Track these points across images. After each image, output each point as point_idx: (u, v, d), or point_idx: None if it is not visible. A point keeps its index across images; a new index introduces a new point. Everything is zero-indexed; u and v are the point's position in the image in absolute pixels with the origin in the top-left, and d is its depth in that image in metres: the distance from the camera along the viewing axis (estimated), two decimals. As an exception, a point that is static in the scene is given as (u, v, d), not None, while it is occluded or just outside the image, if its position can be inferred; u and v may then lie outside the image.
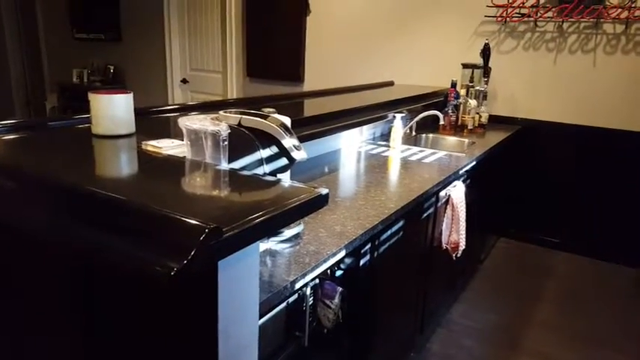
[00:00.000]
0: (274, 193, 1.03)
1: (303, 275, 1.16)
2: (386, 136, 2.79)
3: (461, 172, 2.23)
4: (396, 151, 2.52)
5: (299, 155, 1.28)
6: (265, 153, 1.26)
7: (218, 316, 0.87)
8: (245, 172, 1.15)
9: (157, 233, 0.82)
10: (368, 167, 2.16)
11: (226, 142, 1.19)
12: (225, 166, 1.18)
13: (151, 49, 5.19)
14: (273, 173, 1.29)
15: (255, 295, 0.97)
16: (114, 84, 5.47)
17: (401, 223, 1.71)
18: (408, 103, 2.92)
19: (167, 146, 1.31)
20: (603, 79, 3.11)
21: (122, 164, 1.25)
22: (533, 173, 3.46)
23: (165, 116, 1.97)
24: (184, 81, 5.15)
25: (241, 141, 1.25)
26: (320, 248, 1.29)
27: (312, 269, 1.20)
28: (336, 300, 1.43)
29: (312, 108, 2.58)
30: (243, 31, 4.60)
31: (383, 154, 2.43)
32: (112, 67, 5.55)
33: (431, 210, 2.00)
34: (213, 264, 0.83)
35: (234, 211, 0.91)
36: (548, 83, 3.30)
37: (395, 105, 2.79)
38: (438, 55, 3.66)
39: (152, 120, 1.85)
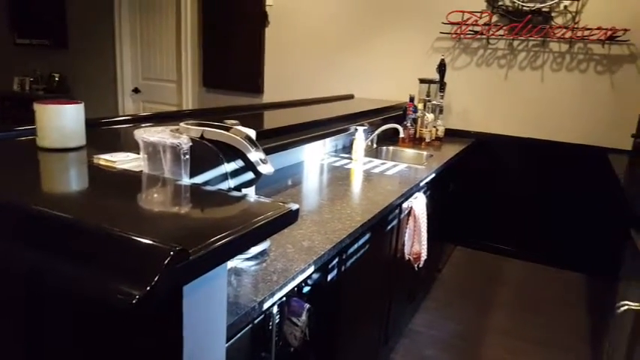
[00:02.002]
0: (241, 210, 0.98)
1: (271, 295, 1.11)
2: (348, 149, 2.79)
3: (421, 184, 2.26)
4: (359, 163, 2.52)
5: (265, 169, 1.24)
6: (230, 167, 1.20)
7: (183, 344, 0.80)
8: (209, 188, 1.10)
9: (115, 257, 0.74)
10: (332, 180, 2.13)
11: (188, 156, 1.13)
12: (187, 181, 1.12)
13: (99, 57, 4.97)
14: (239, 188, 1.24)
15: (222, 320, 0.91)
16: (58, 93, 5.19)
17: (367, 236, 1.69)
18: (369, 116, 2.94)
19: (122, 160, 1.23)
20: (550, 94, 3.26)
21: (72, 180, 1.16)
22: (486, 184, 3.56)
23: (118, 128, 1.87)
24: (136, 90, 4.97)
25: (204, 154, 1.19)
26: (288, 265, 1.24)
27: (280, 288, 1.15)
28: (303, 317, 1.38)
29: (274, 120, 2.54)
30: (199, 39, 4.51)
31: (346, 167, 2.42)
32: (56, 75, 5.27)
33: (395, 222, 2.00)
34: (178, 289, 0.77)
35: (200, 230, 0.85)
36: (499, 98, 3.43)
37: (356, 118, 2.80)
38: (397, 70, 3.72)
39: (104, 132, 1.75)
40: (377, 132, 2.84)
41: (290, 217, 0.98)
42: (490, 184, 3.56)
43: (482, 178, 3.55)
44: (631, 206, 1.82)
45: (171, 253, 0.69)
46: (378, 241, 1.84)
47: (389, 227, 1.95)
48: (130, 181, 1.12)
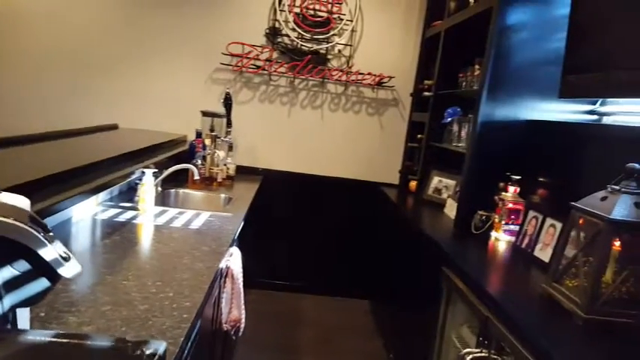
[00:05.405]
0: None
1: None
2: (126, 194, 2.25)
3: (236, 236, 1.95)
4: (149, 215, 2.02)
5: (70, 270, 0.74)
6: (3, 275, 0.67)
7: None
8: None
9: None
10: (123, 245, 1.61)
11: None
12: None
13: None
14: (21, 305, 0.71)
15: None
16: None
17: (199, 324, 1.29)
18: (151, 154, 2.45)
19: None
20: (329, 133, 3.42)
21: None
22: (273, 221, 3.48)
23: None
24: None
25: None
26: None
27: None
28: None
29: (11, 167, 1.80)
30: None
31: (134, 222, 1.90)
32: None
33: (216, 292, 1.63)
34: None
35: None
36: (283, 135, 3.41)
37: (138, 157, 2.29)
38: (172, 99, 3.30)
39: None
40: (166, 173, 2.38)
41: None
42: (276, 221, 3.48)
43: (269, 215, 3.45)
44: (441, 248, 1.96)
45: None
46: (204, 322, 1.45)
47: (213, 300, 1.57)
48: None
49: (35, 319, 1.02)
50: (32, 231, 0.69)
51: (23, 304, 0.70)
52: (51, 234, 0.74)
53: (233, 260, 1.86)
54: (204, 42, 3.26)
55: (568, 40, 1.87)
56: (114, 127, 3.26)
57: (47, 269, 0.70)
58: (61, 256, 0.73)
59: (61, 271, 0.72)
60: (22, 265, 0.68)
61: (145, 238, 1.74)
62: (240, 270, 1.92)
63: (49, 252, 0.70)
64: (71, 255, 0.76)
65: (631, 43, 1.62)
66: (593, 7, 1.80)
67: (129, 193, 2.28)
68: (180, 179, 2.71)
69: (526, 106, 2.15)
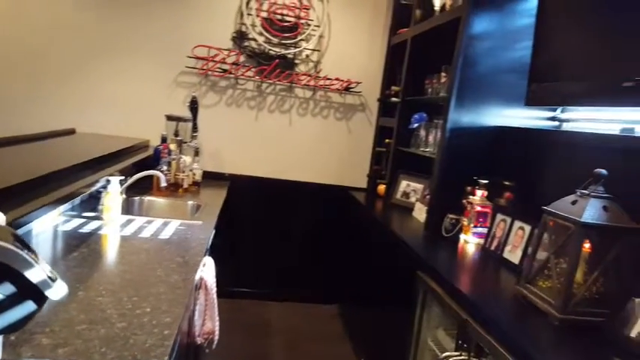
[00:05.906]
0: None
1: None
2: (88, 203, 2.14)
3: (208, 246, 1.90)
4: (115, 225, 1.94)
5: (58, 292, 0.69)
6: (-15, 301, 0.61)
7: None
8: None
9: None
10: (93, 258, 1.53)
11: None
12: None
13: None
14: (4, 332, 0.65)
15: None
16: None
17: (178, 340, 1.24)
18: (115, 160, 2.35)
19: None
20: (298, 137, 3.41)
21: None
22: (240, 228, 3.42)
23: None
24: None
25: None
26: None
27: None
28: None
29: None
30: None
31: (100, 232, 1.81)
32: None
33: (191, 305, 1.58)
34: None
35: None
36: (251, 139, 3.36)
37: (99, 164, 2.19)
38: (134, 102, 3.18)
39: None
40: (131, 180, 2.29)
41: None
42: (241, 227, 3.43)
43: (234, 221, 3.39)
44: (416, 252, 1.98)
45: None
46: (181, 336, 1.39)
47: (188, 313, 1.52)
48: None
49: (5, 343, 0.95)
50: (18, 251, 0.64)
51: (7, 330, 0.65)
52: (36, 253, 0.69)
53: (206, 270, 1.80)
54: (168, 44, 3.17)
55: (533, 50, 1.95)
56: (71, 131, 3.11)
57: (34, 291, 0.65)
58: (48, 277, 0.68)
59: (49, 293, 0.67)
60: (7, 288, 0.63)
61: (114, 250, 1.66)
62: (214, 280, 1.86)
63: (37, 273, 0.65)
64: (57, 275, 0.71)
65: (579, 55, 1.72)
66: (553, 19, 1.89)
67: (91, 202, 2.17)
68: (143, 186, 2.61)
69: (492, 112, 2.22)
